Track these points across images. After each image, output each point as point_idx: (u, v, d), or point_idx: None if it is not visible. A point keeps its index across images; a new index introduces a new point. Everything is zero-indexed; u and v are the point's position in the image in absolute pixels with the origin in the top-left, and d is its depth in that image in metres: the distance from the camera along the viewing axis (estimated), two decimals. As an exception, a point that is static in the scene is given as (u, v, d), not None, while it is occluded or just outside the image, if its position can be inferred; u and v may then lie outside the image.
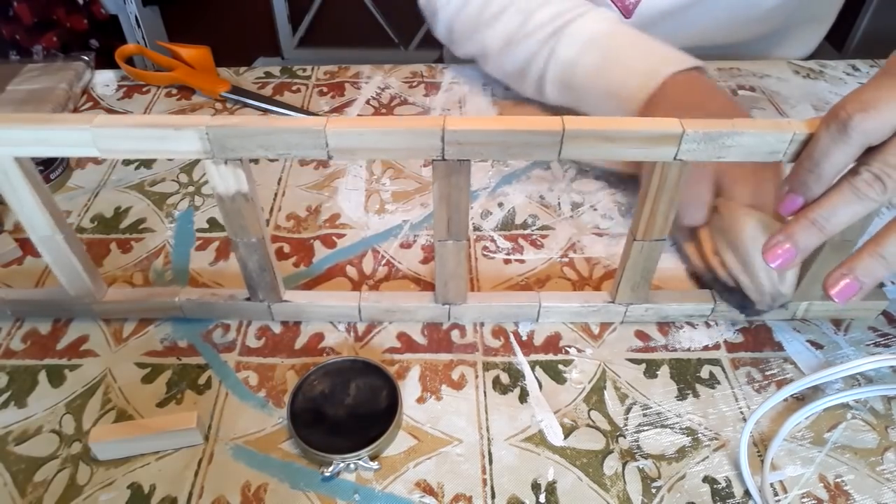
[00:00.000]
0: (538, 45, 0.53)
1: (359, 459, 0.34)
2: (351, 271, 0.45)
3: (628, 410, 0.37)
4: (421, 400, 0.38)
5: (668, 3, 0.60)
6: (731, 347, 0.40)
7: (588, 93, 0.51)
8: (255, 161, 0.55)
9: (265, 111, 0.61)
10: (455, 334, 0.41)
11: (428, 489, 0.34)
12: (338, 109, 0.61)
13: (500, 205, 0.51)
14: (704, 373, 0.39)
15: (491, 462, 0.35)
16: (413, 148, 0.32)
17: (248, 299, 0.40)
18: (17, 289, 0.43)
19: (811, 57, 0.71)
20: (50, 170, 0.51)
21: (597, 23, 0.52)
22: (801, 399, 0.37)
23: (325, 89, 0.64)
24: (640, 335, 0.41)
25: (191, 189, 0.53)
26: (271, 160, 0.55)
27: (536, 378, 0.39)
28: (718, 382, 0.38)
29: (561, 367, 0.39)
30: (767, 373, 0.39)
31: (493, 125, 0.31)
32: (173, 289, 0.42)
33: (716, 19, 0.62)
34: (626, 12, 0.61)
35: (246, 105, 0.61)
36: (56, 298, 0.41)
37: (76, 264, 0.38)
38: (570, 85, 0.52)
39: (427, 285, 0.44)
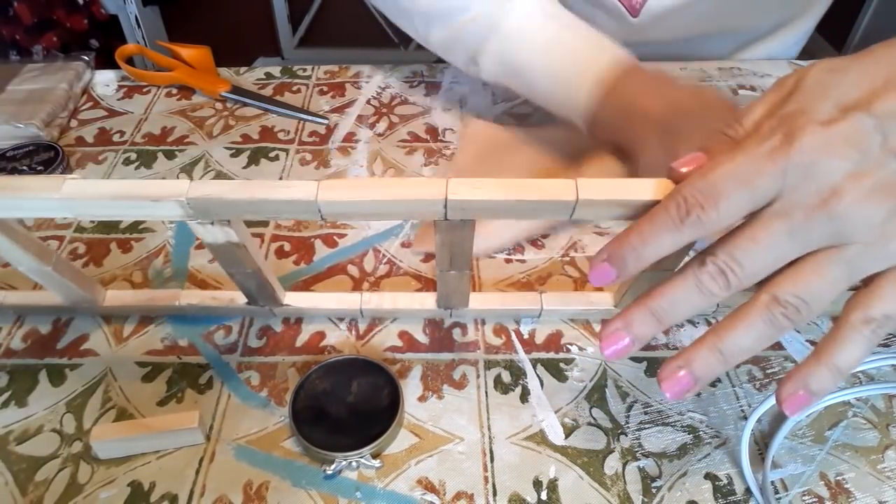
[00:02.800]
0: (475, 19, 0.49)
1: (360, 457, 0.34)
2: (352, 270, 0.45)
3: (629, 408, 0.37)
4: (422, 398, 0.38)
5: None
6: (732, 346, 0.40)
7: (531, 72, 0.48)
8: (256, 163, 0.55)
9: (265, 111, 0.61)
10: (457, 332, 0.41)
11: (430, 487, 0.34)
12: (338, 109, 0.61)
13: (501, 204, 0.50)
14: (705, 371, 0.39)
15: (492, 460, 0.35)
16: (414, 213, 0.29)
17: (248, 303, 0.40)
18: (19, 291, 0.43)
19: (811, 57, 0.71)
20: (50, 170, 0.51)
21: (538, 6, 0.49)
22: (802, 397, 0.37)
23: (325, 89, 0.64)
24: (641, 334, 0.41)
25: (191, 188, 0.52)
26: (271, 160, 0.55)
27: (538, 376, 0.39)
28: (719, 380, 0.38)
29: (562, 365, 0.39)
30: (768, 371, 0.39)
31: (502, 194, 0.28)
32: (174, 292, 0.41)
33: (717, 11, 0.62)
34: (633, 11, 0.61)
35: (246, 105, 0.62)
36: (57, 303, 0.40)
37: (70, 286, 0.37)
38: (512, 62, 0.49)
39: (428, 282, 0.44)
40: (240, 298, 0.40)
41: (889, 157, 0.24)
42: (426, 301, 0.41)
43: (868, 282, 0.26)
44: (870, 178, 0.24)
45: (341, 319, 0.42)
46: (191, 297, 0.41)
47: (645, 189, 0.28)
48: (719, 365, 0.27)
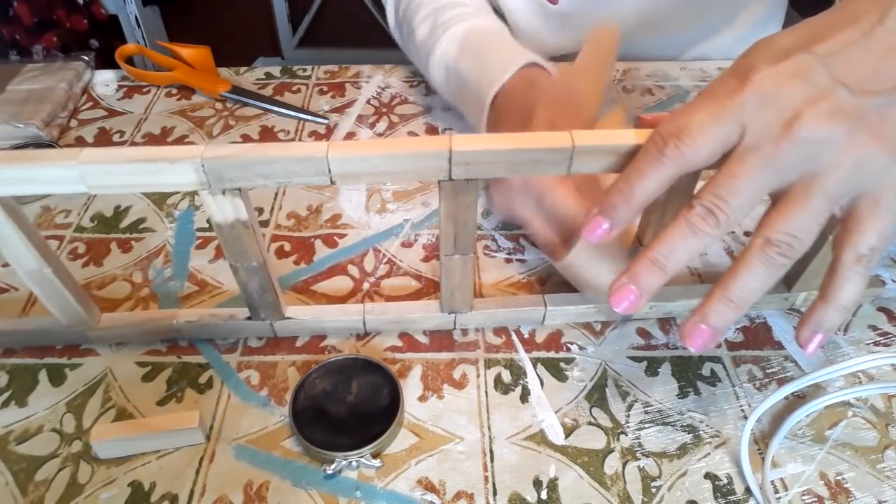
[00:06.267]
0: (427, 47, 0.55)
1: (360, 457, 0.34)
2: (352, 270, 0.45)
3: (630, 408, 0.37)
4: (422, 398, 0.38)
5: None
6: (732, 346, 0.40)
7: (455, 97, 0.54)
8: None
9: (265, 111, 0.61)
10: (457, 332, 0.41)
11: (430, 486, 0.34)
12: (338, 109, 0.61)
13: (501, 204, 0.51)
14: (706, 370, 0.39)
15: (492, 460, 0.35)
16: (419, 170, 0.30)
17: (249, 318, 0.39)
18: (6, 319, 0.41)
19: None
20: (50, 169, 0.51)
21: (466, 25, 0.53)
22: (801, 397, 0.37)
23: (325, 89, 0.64)
24: (642, 333, 0.41)
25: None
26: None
27: (538, 375, 0.39)
28: (719, 380, 0.38)
29: (562, 364, 0.39)
30: (768, 371, 0.39)
31: (501, 144, 0.29)
32: (171, 311, 0.40)
33: (644, 4, 0.60)
34: None
35: (246, 105, 0.62)
36: (48, 328, 0.39)
37: (67, 296, 0.36)
38: (447, 92, 0.55)
39: (428, 282, 0.44)
40: (240, 314, 0.40)
41: (838, 84, 0.26)
42: (430, 307, 0.41)
43: (846, 218, 0.28)
44: (824, 101, 0.26)
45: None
46: (189, 314, 0.40)
47: (631, 135, 0.29)
48: (732, 312, 0.28)
